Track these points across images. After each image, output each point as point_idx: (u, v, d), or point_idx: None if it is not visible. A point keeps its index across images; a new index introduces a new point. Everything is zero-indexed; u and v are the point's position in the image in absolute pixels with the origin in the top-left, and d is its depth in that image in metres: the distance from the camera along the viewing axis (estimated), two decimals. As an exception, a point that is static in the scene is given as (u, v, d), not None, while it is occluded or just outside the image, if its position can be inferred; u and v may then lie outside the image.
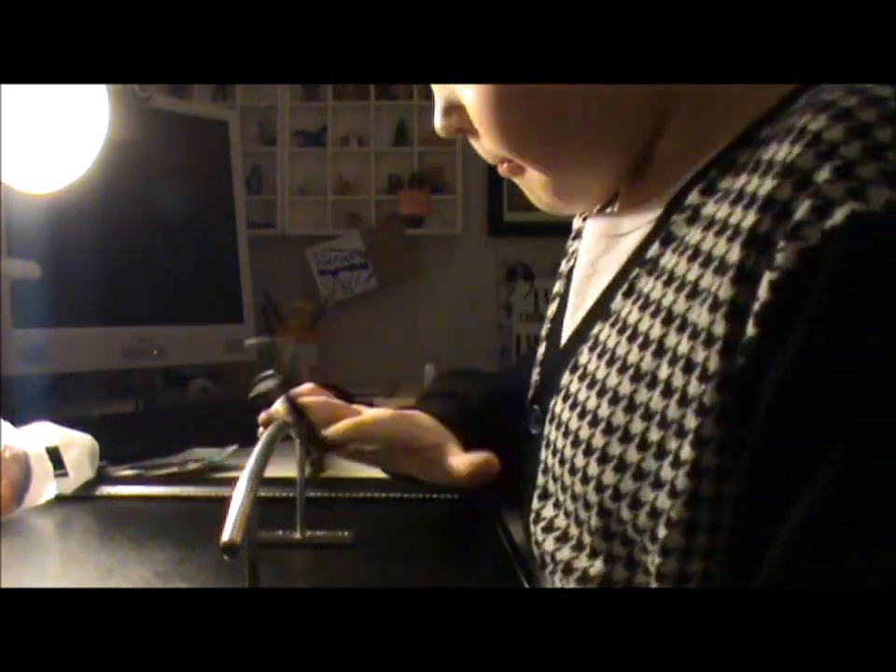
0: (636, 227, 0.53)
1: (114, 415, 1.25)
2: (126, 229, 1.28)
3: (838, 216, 0.37)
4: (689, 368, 0.42)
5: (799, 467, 0.37)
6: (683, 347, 0.43)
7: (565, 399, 0.52)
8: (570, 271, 0.63)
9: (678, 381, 0.43)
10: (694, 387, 0.42)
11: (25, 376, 1.12)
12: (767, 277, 0.38)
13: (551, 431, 0.54)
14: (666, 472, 0.43)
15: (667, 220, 0.49)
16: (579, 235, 0.64)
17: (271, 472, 0.49)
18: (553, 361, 0.59)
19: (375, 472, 0.79)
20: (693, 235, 0.46)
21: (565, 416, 0.52)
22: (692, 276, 0.44)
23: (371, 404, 1.20)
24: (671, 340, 0.44)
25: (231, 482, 0.46)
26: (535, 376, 0.63)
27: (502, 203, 1.94)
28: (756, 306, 0.39)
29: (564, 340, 0.58)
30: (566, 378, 0.53)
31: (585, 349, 0.52)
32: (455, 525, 0.72)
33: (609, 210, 0.61)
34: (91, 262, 1.22)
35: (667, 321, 0.45)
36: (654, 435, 0.44)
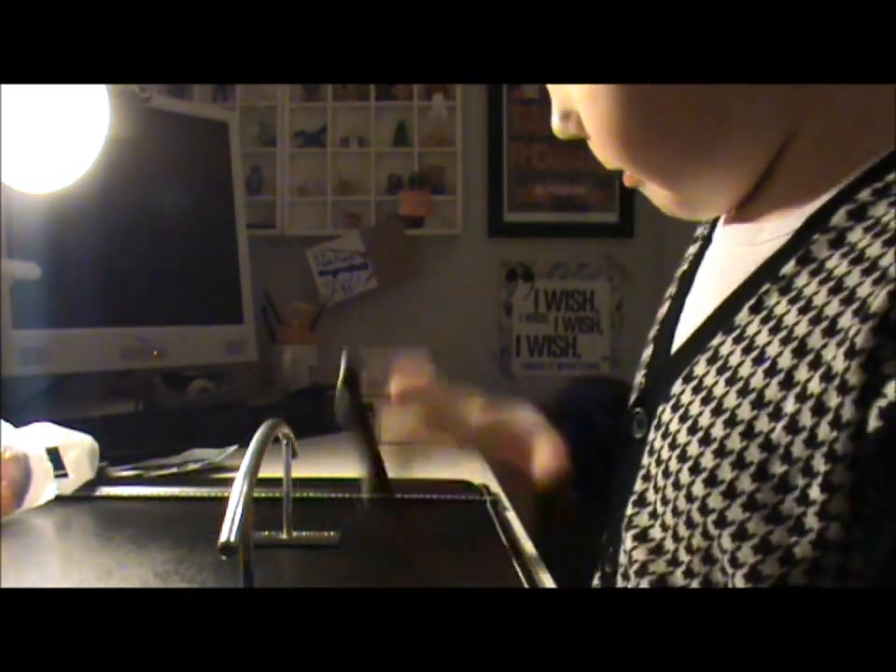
0: (771, 238, 0.50)
1: (114, 416, 1.25)
2: (126, 229, 1.28)
3: None
4: (820, 410, 0.40)
5: None
6: (815, 386, 0.41)
7: (675, 409, 0.50)
8: (685, 273, 0.61)
9: (805, 419, 0.41)
10: (825, 432, 0.40)
11: (25, 377, 1.11)
12: None
13: (656, 439, 0.51)
14: (790, 508, 0.41)
15: (808, 238, 0.46)
16: (702, 241, 0.62)
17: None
18: (662, 366, 0.57)
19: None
20: (837, 263, 0.43)
21: (673, 427, 0.49)
22: (830, 311, 0.42)
23: (370, 405, 1.20)
24: (801, 374, 0.42)
25: (231, 482, 0.46)
26: (639, 378, 0.61)
27: (502, 204, 1.93)
28: None
29: (676, 345, 0.55)
30: (678, 386, 0.51)
31: (703, 360, 0.50)
32: (442, 525, 0.72)
33: (726, 213, 0.59)
34: (91, 263, 1.22)
35: (799, 353, 0.42)
36: (776, 468, 0.42)
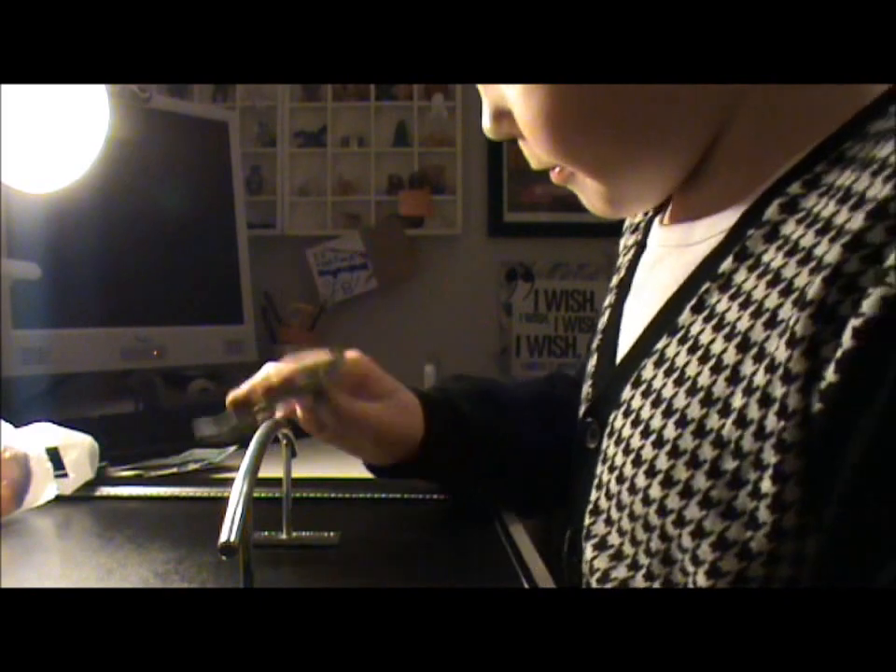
0: (707, 237, 0.50)
1: (114, 416, 1.25)
2: (126, 229, 1.28)
3: None
4: (766, 401, 0.41)
5: (890, 529, 0.36)
6: (760, 379, 0.41)
7: (626, 415, 0.51)
8: (622, 281, 0.61)
9: (753, 413, 0.41)
10: (773, 422, 0.40)
11: (25, 377, 1.11)
12: (852, 323, 0.37)
13: (609, 446, 0.52)
14: (743, 503, 0.42)
15: (743, 234, 0.47)
16: (636, 248, 0.62)
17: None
18: (609, 374, 0.57)
19: (362, 472, 0.79)
20: (773, 256, 0.44)
21: (626, 432, 0.50)
22: (770, 304, 0.42)
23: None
24: (747, 368, 0.42)
25: (231, 482, 0.46)
26: (587, 388, 0.61)
27: (502, 204, 1.94)
28: (839, 353, 0.37)
29: (622, 352, 0.56)
30: (627, 392, 0.51)
31: (650, 363, 0.50)
32: (442, 525, 0.72)
33: (660, 216, 0.59)
34: (91, 263, 1.22)
35: (743, 347, 0.43)
36: (728, 464, 0.42)
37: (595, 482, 0.53)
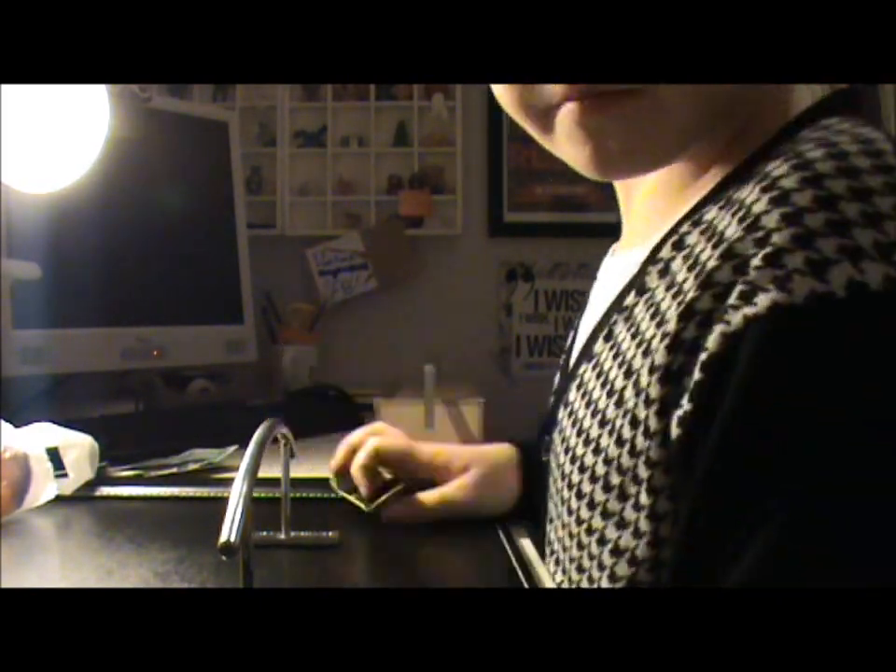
0: (627, 267, 0.54)
1: (114, 416, 1.25)
2: (126, 229, 1.28)
3: (760, 304, 0.38)
4: (635, 423, 0.45)
5: (732, 535, 0.38)
6: (631, 403, 0.46)
7: (559, 433, 0.55)
8: (586, 302, 0.64)
9: (626, 433, 0.46)
10: (641, 442, 0.44)
11: (25, 377, 1.11)
12: (700, 357, 0.40)
13: (552, 461, 0.57)
14: (629, 514, 0.46)
15: (645, 270, 0.51)
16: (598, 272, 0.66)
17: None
18: (559, 392, 0.61)
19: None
20: (659, 292, 0.47)
21: (558, 449, 0.55)
22: (648, 334, 0.46)
23: (370, 405, 1.20)
24: (628, 393, 0.46)
25: (231, 482, 0.46)
26: (549, 404, 0.65)
27: (502, 204, 1.93)
28: (691, 383, 0.41)
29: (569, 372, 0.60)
30: (561, 412, 0.56)
31: (573, 387, 0.55)
32: (442, 526, 0.72)
33: (614, 245, 0.63)
34: (91, 263, 1.22)
35: (627, 374, 0.47)
36: (615, 479, 0.47)
37: (549, 492, 0.58)
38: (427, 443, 0.78)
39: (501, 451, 0.77)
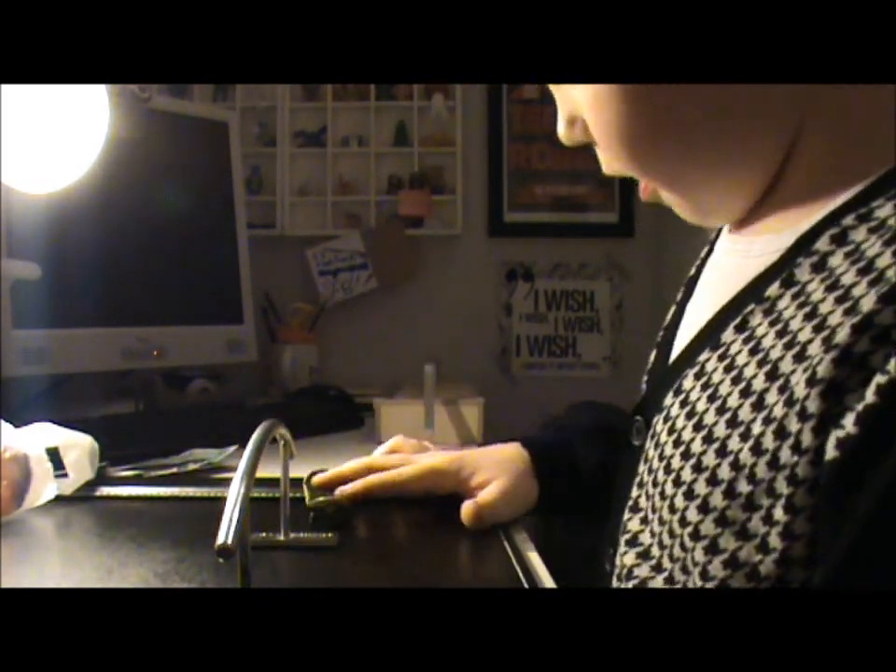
0: (764, 253, 0.50)
1: (114, 416, 1.25)
2: (126, 229, 1.28)
3: None
4: (782, 434, 0.41)
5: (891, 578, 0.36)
6: (778, 411, 0.41)
7: (665, 421, 0.51)
8: (691, 279, 0.61)
9: (768, 443, 0.42)
10: (786, 455, 0.41)
11: (25, 377, 1.11)
12: (877, 379, 0.36)
13: (650, 448, 0.53)
14: (756, 526, 0.42)
15: (793, 260, 0.47)
16: (709, 247, 0.62)
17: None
18: (660, 375, 0.58)
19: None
20: (815, 288, 0.44)
21: (663, 439, 0.51)
22: (802, 337, 0.42)
23: (370, 405, 1.20)
24: (771, 397, 0.42)
25: (231, 482, 0.46)
26: (643, 384, 0.63)
27: (502, 204, 1.94)
28: (861, 406, 0.37)
29: (674, 355, 0.56)
30: (669, 399, 0.52)
31: (691, 375, 0.50)
32: (442, 525, 0.72)
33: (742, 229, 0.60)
34: (91, 263, 1.22)
35: (771, 376, 0.43)
36: (743, 487, 0.43)
37: (637, 479, 0.54)
38: (443, 453, 0.77)
39: (516, 455, 0.75)
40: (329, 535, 0.65)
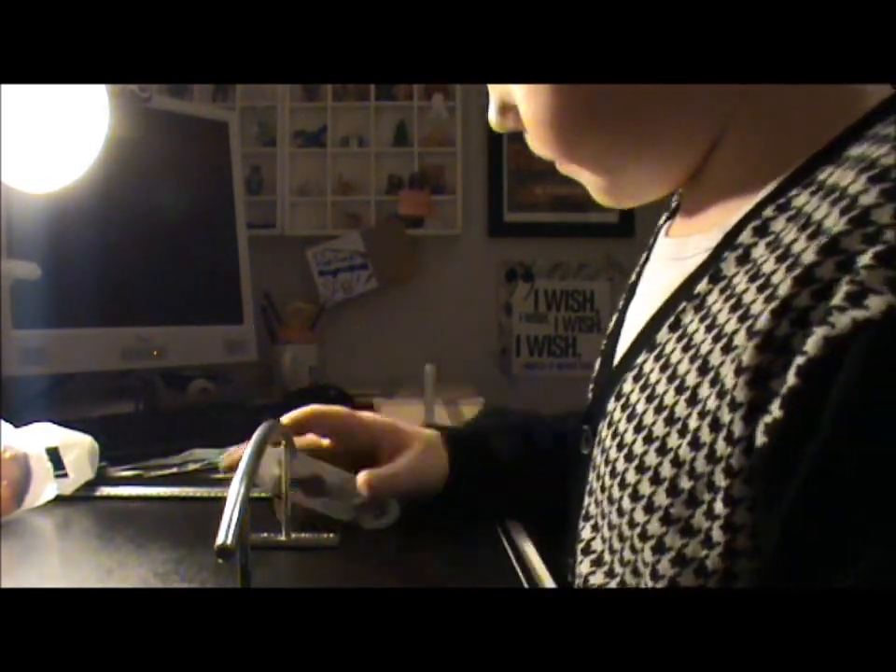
0: (696, 253, 0.51)
1: (114, 416, 1.25)
2: (126, 229, 1.28)
3: (872, 307, 0.35)
4: (716, 426, 0.41)
5: (827, 561, 0.36)
6: (712, 403, 0.42)
7: (609, 427, 0.52)
8: (632, 286, 0.62)
9: (705, 436, 0.42)
10: (721, 447, 0.41)
11: (25, 377, 1.11)
12: (796, 361, 0.37)
13: (597, 455, 0.53)
14: (699, 521, 0.42)
15: (719, 255, 0.47)
16: (647, 252, 0.62)
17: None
18: (603, 382, 0.58)
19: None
20: (740, 281, 0.44)
21: (608, 444, 0.51)
22: (729, 329, 0.42)
23: (370, 405, 1.20)
24: (704, 391, 0.43)
25: (230, 482, 0.46)
26: (589, 393, 0.63)
27: (502, 204, 1.94)
28: (784, 389, 0.37)
29: (616, 361, 0.56)
30: (611, 404, 0.52)
31: (630, 378, 0.51)
32: (441, 526, 0.72)
33: (667, 225, 0.60)
34: (91, 263, 1.22)
35: (703, 371, 0.43)
36: (685, 483, 0.43)
37: (587, 488, 0.54)
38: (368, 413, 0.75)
39: (429, 433, 0.73)
40: (331, 535, 0.65)
